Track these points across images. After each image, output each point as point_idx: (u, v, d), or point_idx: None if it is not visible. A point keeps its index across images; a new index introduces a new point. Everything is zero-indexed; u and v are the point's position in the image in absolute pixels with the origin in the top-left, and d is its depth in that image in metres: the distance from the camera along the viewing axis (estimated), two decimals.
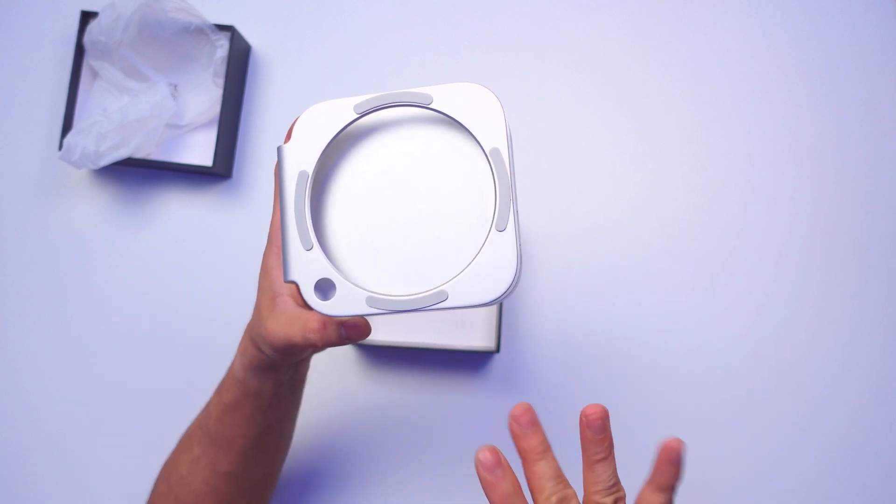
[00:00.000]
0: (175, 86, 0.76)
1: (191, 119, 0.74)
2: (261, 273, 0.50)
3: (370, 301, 0.41)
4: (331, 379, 0.73)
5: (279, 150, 0.43)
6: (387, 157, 0.43)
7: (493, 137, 0.41)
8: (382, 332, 0.70)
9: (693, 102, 0.77)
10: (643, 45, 0.78)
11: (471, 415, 0.72)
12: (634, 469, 0.72)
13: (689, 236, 0.75)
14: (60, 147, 0.71)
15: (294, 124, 0.43)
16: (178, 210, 0.76)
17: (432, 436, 0.72)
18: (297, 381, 0.55)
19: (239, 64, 0.76)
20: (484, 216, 0.41)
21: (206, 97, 0.75)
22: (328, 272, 0.41)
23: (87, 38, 0.72)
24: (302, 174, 0.42)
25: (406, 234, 0.42)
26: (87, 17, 0.74)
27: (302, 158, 0.42)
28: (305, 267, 0.41)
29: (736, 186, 0.76)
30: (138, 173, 0.76)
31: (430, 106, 0.42)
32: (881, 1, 0.79)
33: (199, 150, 0.75)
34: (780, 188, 0.76)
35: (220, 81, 0.74)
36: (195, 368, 0.73)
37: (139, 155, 0.71)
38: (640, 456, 0.73)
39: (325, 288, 0.41)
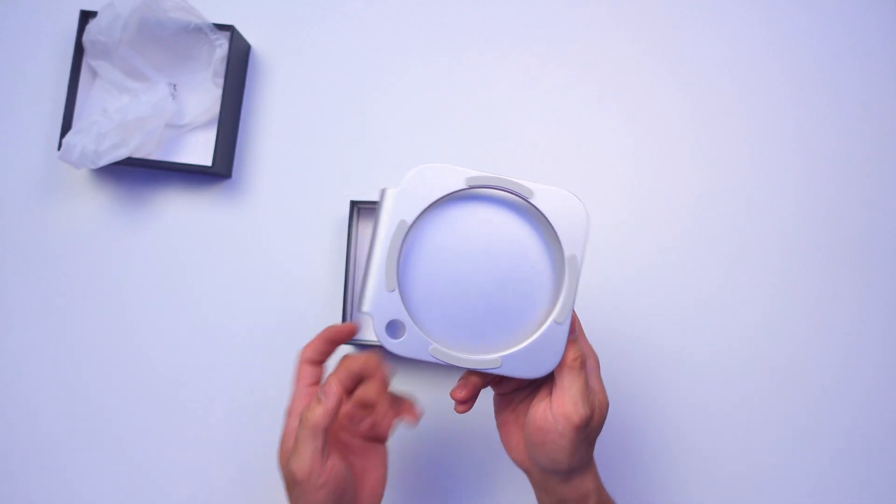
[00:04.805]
0: (175, 85, 0.76)
1: (190, 119, 0.74)
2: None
3: (434, 352, 0.46)
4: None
5: (384, 191, 0.47)
6: (475, 227, 0.48)
7: (575, 246, 0.47)
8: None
9: (693, 103, 0.77)
10: (643, 45, 0.78)
11: (471, 413, 0.72)
12: (638, 467, 0.72)
13: (689, 236, 0.75)
14: (60, 147, 0.71)
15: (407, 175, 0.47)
16: (178, 210, 0.76)
17: (433, 435, 0.72)
18: None
19: (239, 64, 0.76)
20: (546, 304, 0.47)
21: (205, 97, 0.74)
22: (403, 316, 0.46)
23: (86, 38, 0.72)
24: (402, 223, 0.46)
25: (475, 300, 0.47)
26: (86, 16, 0.74)
27: (405, 208, 0.47)
28: (383, 306, 0.46)
29: (736, 186, 0.76)
30: (138, 173, 0.76)
31: (529, 200, 0.47)
32: (881, 1, 0.79)
33: (199, 150, 0.74)
34: (781, 188, 0.76)
35: (220, 81, 0.74)
36: (195, 367, 0.73)
37: (139, 155, 0.71)
38: (641, 456, 0.73)
39: (395, 328, 0.46)
